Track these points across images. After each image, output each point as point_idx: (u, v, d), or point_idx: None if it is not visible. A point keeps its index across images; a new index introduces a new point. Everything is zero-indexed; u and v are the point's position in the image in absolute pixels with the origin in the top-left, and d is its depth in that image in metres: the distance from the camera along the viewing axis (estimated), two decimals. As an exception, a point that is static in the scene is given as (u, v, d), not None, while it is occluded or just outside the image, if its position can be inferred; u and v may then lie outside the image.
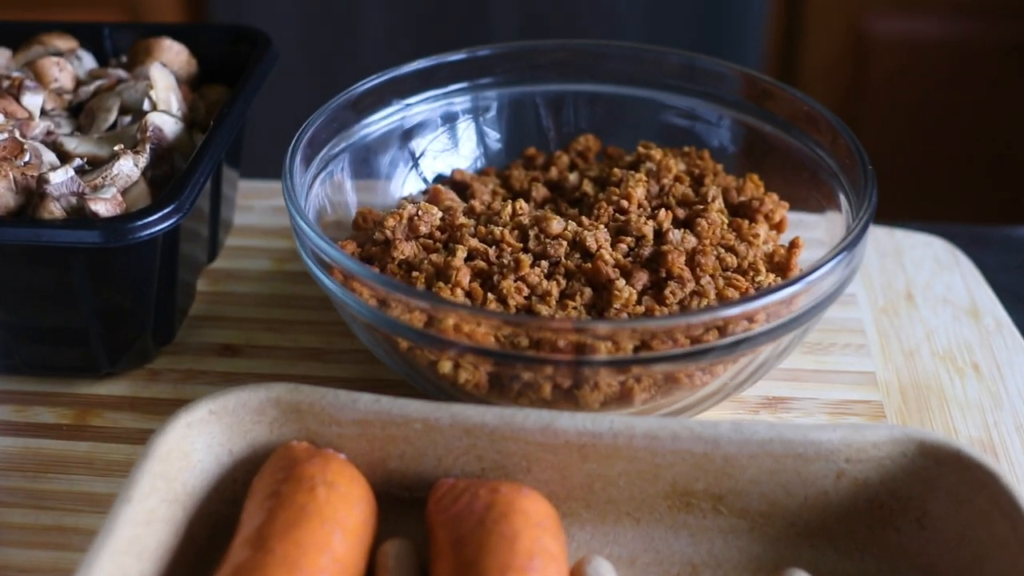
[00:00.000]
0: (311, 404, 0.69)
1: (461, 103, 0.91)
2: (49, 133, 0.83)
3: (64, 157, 0.80)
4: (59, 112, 0.86)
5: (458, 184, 0.88)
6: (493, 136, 0.92)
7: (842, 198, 0.81)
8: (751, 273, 0.77)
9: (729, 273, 0.76)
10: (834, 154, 0.82)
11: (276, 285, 0.90)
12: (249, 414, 0.69)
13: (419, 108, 0.89)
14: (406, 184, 0.90)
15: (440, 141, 0.91)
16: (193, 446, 0.68)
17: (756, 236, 0.79)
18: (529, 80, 0.92)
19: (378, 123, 0.88)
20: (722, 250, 0.77)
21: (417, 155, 0.90)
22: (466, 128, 0.92)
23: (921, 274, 0.91)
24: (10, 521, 0.72)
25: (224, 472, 0.69)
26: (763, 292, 0.68)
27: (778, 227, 0.83)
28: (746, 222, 0.80)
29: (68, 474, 0.75)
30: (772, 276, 0.77)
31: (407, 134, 0.90)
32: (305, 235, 0.72)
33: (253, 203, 1.00)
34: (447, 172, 0.91)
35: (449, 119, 0.91)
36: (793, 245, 0.81)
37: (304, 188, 0.79)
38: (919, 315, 0.87)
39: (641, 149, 0.87)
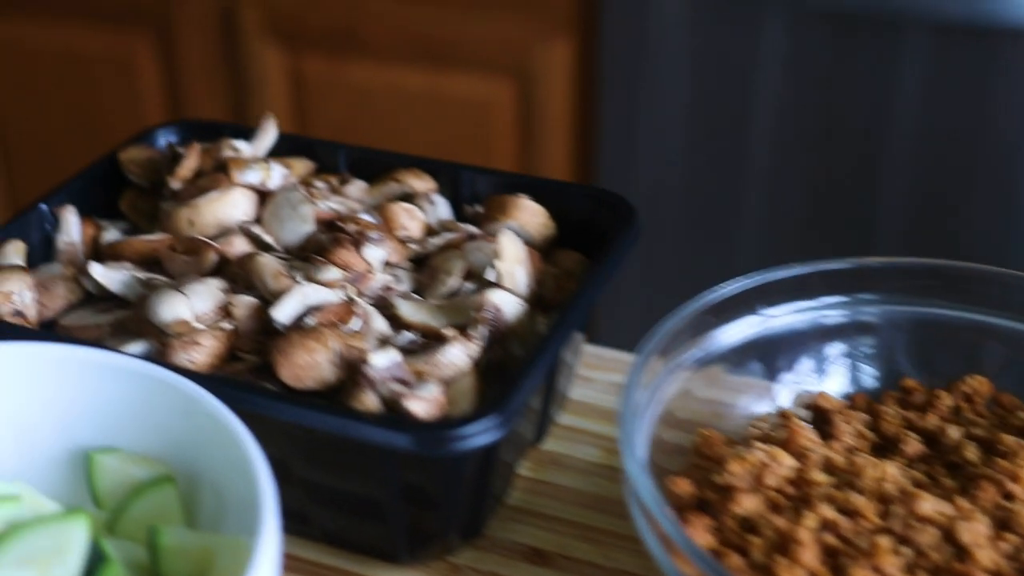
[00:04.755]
0: None
1: (834, 318, 0.80)
2: (388, 289, 0.78)
3: (395, 324, 0.75)
4: (401, 264, 0.81)
5: (820, 412, 0.77)
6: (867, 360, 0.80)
7: None
8: None
9: None
10: None
11: (601, 483, 0.81)
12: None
13: (785, 319, 0.78)
14: (762, 400, 0.79)
15: (805, 359, 0.80)
16: None
17: None
18: (918, 301, 0.79)
19: (735, 331, 0.77)
20: None
21: (777, 371, 0.79)
22: (837, 348, 0.80)
23: None
24: None
25: None
26: None
27: None
28: None
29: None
30: None
31: (769, 345, 0.79)
32: (632, 478, 0.63)
33: (594, 375, 0.90)
34: (809, 390, 0.79)
35: (821, 335, 0.79)
36: None
37: (645, 402, 0.71)
38: None
39: (1045, 411, 0.73)
